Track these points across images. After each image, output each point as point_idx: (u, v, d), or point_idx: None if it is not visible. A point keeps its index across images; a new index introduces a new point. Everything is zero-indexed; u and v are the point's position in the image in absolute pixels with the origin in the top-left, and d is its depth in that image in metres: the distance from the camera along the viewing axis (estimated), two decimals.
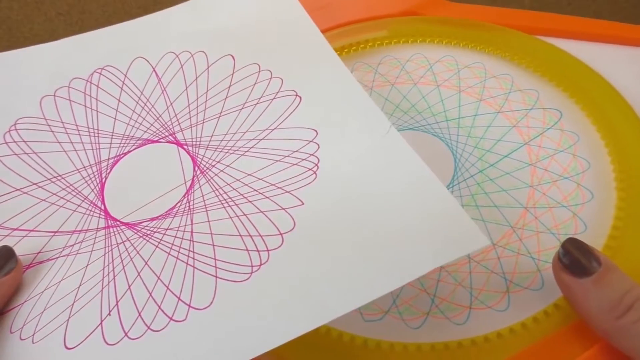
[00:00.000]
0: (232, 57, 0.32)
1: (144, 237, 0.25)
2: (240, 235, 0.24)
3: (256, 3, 0.34)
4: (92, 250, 0.25)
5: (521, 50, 0.33)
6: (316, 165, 0.25)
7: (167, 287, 0.22)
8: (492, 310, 0.23)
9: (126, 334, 0.21)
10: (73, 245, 0.26)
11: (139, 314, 0.22)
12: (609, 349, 0.21)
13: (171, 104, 0.30)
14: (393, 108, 0.32)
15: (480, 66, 0.34)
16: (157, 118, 0.30)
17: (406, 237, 0.22)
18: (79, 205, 0.27)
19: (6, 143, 0.30)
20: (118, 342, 0.21)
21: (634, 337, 0.19)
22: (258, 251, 0.23)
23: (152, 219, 0.26)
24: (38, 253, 0.26)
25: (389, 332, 0.23)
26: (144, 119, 0.30)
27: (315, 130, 0.27)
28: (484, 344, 0.22)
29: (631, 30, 0.34)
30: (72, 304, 0.23)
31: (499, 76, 0.33)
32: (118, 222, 0.26)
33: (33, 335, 0.22)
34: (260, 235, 0.23)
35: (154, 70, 0.32)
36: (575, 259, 0.21)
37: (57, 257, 0.25)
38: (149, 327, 0.21)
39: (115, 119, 0.31)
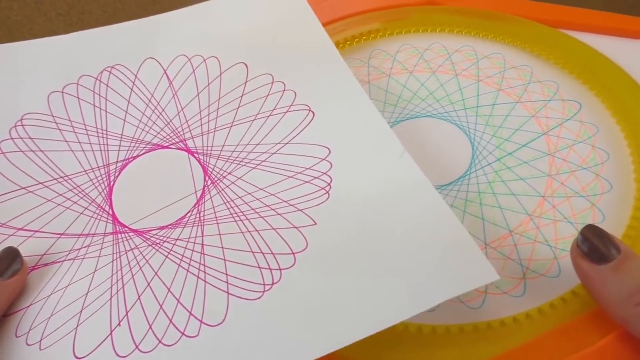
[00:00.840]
0: (245, 65, 0.31)
1: (153, 245, 0.25)
2: (252, 252, 0.23)
3: (271, 11, 0.34)
4: (99, 256, 0.25)
5: (541, 42, 0.33)
6: (329, 184, 0.25)
7: (178, 300, 0.22)
8: (508, 296, 0.23)
9: (137, 347, 0.21)
10: (80, 249, 0.25)
11: (150, 327, 0.22)
12: (627, 337, 0.20)
13: (182, 109, 0.30)
14: (411, 95, 0.32)
15: (499, 57, 0.33)
16: (168, 123, 0.30)
17: (417, 267, 0.21)
18: (86, 208, 0.27)
19: (12, 139, 0.29)
20: (129, 354, 0.21)
21: None
22: (270, 269, 0.22)
23: (161, 228, 0.25)
24: (43, 255, 0.25)
25: None
26: (154, 122, 0.30)
27: (328, 149, 0.27)
28: (500, 328, 0.22)
29: None
30: (81, 311, 0.23)
31: (519, 67, 0.33)
32: (126, 229, 0.26)
33: (40, 341, 0.22)
34: (272, 253, 0.23)
35: (165, 72, 0.32)
36: (594, 245, 0.21)
37: (63, 260, 0.25)
38: (160, 341, 0.21)
39: (124, 120, 0.30)
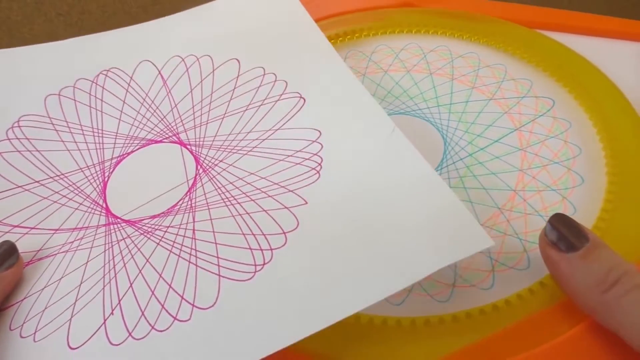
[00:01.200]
0: (238, 60, 0.32)
1: (145, 234, 0.25)
2: (243, 234, 0.23)
3: (261, 9, 0.35)
4: (91, 247, 0.25)
5: (515, 42, 0.33)
6: (319, 164, 0.25)
7: (170, 286, 0.22)
8: (476, 289, 0.23)
9: (130, 334, 0.21)
10: (73, 242, 0.25)
11: (142, 313, 0.21)
12: (595, 327, 0.20)
13: (175, 105, 0.30)
14: (385, 93, 0.32)
15: (474, 56, 0.33)
16: (162, 119, 0.30)
17: (411, 238, 0.21)
18: (80, 204, 0.27)
19: (8, 139, 0.30)
20: (122, 342, 0.21)
21: (619, 311, 0.18)
22: (261, 250, 0.22)
23: (153, 217, 0.25)
24: (38, 251, 0.25)
25: (368, 307, 0.22)
26: (148, 119, 0.30)
27: (319, 131, 0.27)
28: (466, 320, 0.21)
29: (627, 25, 0.34)
30: (74, 303, 0.23)
31: (493, 66, 0.33)
32: (119, 220, 0.26)
33: (34, 333, 0.22)
34: (263, 234, 0.23)
35: (160, 73, 0.32)
36: (562, 234, 0.20)
37: (56, 254, 0.25)
38: (153, 327, 0.21)
39: (119, 119, 0.30)
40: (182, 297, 0.21)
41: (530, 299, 0.21)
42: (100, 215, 0.26)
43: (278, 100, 0.29)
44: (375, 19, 0.37)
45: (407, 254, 0.21)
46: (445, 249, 0.21)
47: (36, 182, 0.28)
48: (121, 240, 0.25)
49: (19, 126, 0.30)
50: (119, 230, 0.25)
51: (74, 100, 0.31)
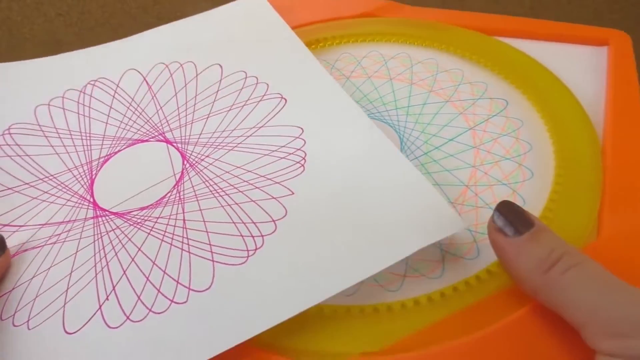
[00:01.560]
0: (220, 66, 0.33)
1: (135, 225, 0.25)
2: (234, 223, 0.24)
3: (240, 19, 0.37)
4: (80, 238, 0.25)
5: (472, 47, 0.34)
6: (303, 159, 0.27)
7: (164, 272, 0.23)
8: (426, 278, 0.23)
9: (128, 317, 0.21)
10: (60, 234, 0.26)
11: (139, 298, 0.22)
12: (539, 310, 0.20)
13: (161, 107, 0.32)
14: None
15: (433, 62, 0.34)
16: (147, 120, 0.31)
17: (390, 222, 0.23)
18: (68, 200, 0.28)
19: None
20: (121, 325, 0.21)
21: (560, 289, 0.19)
22: (252, 237, 0.23)
23: (141, 209, 0.26)
24: (24, 243, 0.26)
25: None
26: (134, 122, 0.31)
27: (301, 128, 0.28)
28: (414, 307, 0.22)
29: (577, 30, 0.35)
30: (67, 290, 0.23)
31: (450, 70, 0.34)
32: (107, 212, 0.26)
33: (28, 321, 0.22)
34: (253, 222, 0.24)
35: (145, 79, 0.33)
36: (508, 220, 0.21)
37: (43, 245, 0.25)
38: (150, 310, 0.22)
39: (106, 123, 0.31)
40: (177, 282, 0.22)
41: (477, 286, 0.22)
42: (87, 209, 0.27)
43: (260, 100, 0.30)
44: (339, 28, 0.38)
45: (388, 237, 0.22)
46: (422, 232, 0.22)
47: (26, 184, 0.29)
48: (110, 231, 0.25)
49: (10, 133, 0.31)
50: (108, 222, 0.26)
51: (63, 109, 0.32)
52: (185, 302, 0.22)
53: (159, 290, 0.22)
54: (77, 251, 0.25)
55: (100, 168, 0.29)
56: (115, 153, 0.30)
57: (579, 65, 0.33)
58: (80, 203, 0.27)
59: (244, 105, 0.30)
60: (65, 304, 0.23)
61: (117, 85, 0.33)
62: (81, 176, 0.29)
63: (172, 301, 0.22)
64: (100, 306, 0.22)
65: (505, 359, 0.20)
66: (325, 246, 0.22)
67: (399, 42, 0.36)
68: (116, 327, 0.21)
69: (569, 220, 0.24)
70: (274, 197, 0.25)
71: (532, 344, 0.20)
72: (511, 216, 0.21)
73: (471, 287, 0.22)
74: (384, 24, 0.38)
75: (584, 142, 0.27)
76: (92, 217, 0.26)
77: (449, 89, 0.32)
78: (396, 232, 0.22)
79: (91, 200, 0.27)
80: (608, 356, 0.18)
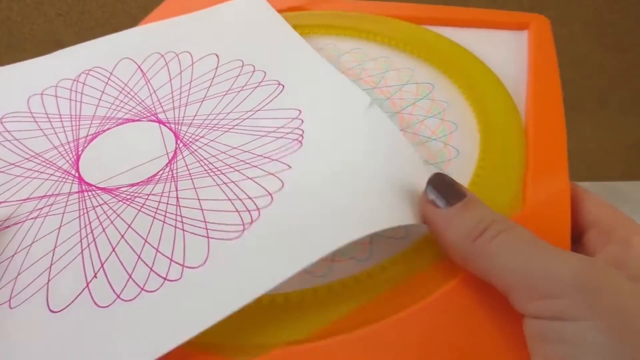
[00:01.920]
0: (217, 55, 0.33)
1: (124, 201, 0.24)
2: (229, 200, 0.23)
3: (234, 12, 0.37)
4: (64, 213, 0.24)
5: (398, 36, 0.34)
6: (301, 136, 0.26)
7: (157, 250, 0.22)
8: (354, 261, 0.22)
9: (118, 296, 0.20)
10: (42, 208, 0.24)
11: (130, 276, 0.21)
12: (469, 281, 0.20)
13: (154, 91, 0.31)
14: None
15: (360, 51, 0.34)
16: (140, 102, 0.30)
17: (384, 194, 0.22)
18: (52, 174, 0.26)
19: None
20: (111, 304, 0.20)
21: (489, 255, 0.19)
22: (248, 211, 0.23)
23: (131, 185, 0.25)
24: (5, 220, 0.24)
25: None
26: (126, 103, 0.30)
27: (299, 110, 0.28)
28: (341, 290, 0.21)
29: (499, 16, 0.36)
30: (50, 267, 0.22)
31: (378, 59, 0.34)
32: (93, 187, 0.25)
33: (9, 300, 0.21)
34: (249, 198, 0.23)
35: (139, 67, 0.33)
36: (440, 192, 0.21)
37: (24, 221, 0.24)
38: (142, 288, 0.20)
39: (97, 106, 0.30)
40: (171, 260, 0.21)
41: (404, 263, 0.21)
42: (72, 183, 0.26)
43: (257, 86, 0.30)
44: None
45: (382, 205, 0.22)
46: (411, 211, 0.22)
47: (11, 164, 0.27)
48: (97, 206, 0.24)
49: (1, 122, 0.30)
50: (94, 197, 0.25)
51: (56, 96, 0.31)
52: (179, 279, 0.20)
53: (151, 269, 0.21)
54: (60, 226, 0.24)
55: (88, 145, 0.28)
56: (104, 131, 0.29)
57: (502, 49, 0.34)
58: (64, 178, 0.26)
59: (241, 90, 0.30)
60: (48, 281, 0.21)
61: (111, 73, 0.33)
62: (67, 152, 0.28)
63: (165, 279, 0.21)
64: (87, 284, 0.21)
65: (437, 333, 0.19)
66: (322, 212, 0.22)
67: (327, 34, 0.36)
68: (106, 306, 0.20)
69: (495, 194, 0.24)
70: (270, 173, 0.24)
71: (463, 315, 0.20)
72: (443, 188, 0.21)
73: (398, 264, 0.21)
74: (311, 17, 0.38)
75: (507, 120, 0.28)
76: (77, 192, 0.25)
77: (376, 76, 0.32)
78: (389, 202, 0.22)
79: (76, 175, 0.26)
80: (535, 319, 0.18)
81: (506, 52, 0.33)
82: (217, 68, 0.32)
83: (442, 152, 0.27)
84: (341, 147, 0.25)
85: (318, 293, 0.21)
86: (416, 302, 0.20)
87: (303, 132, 0.26)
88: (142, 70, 0.32)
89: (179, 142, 0.27)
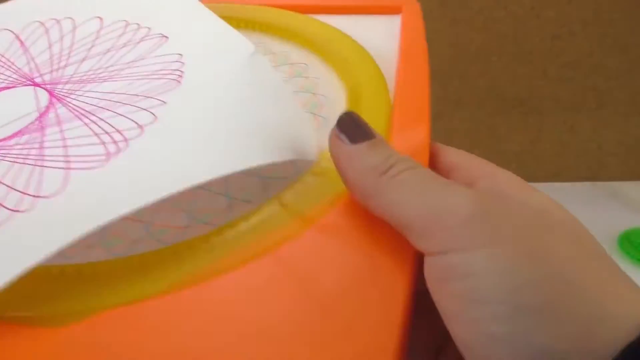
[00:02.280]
0: (100, 18, 0.32)
1: None
2: (96, 134, 0.23)
3: None
4: None
5: (273, 23, 0.34)
6: (180, 76, 0.26)
7: (10, 187, 0.21)
8: (214, 227, 0.21)
9: None
10: None
11: None
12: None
13: (32, 58, 0.29)
14: None
15: None
16: (16, 71, 0.29)
17: (261, 130, 0.23)
18: None
19: None
20: None
21: (391, 191, 0.18)
22: (115, 142, 0.22)
23: None
24: None
25: None
26: (1, 74, 0.29)
27: (180, 54, 0.27)
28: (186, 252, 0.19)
29: (376, 1, 0.37)
30: None
31: (256, 44, 0.33)
32: None
33: None
34: (117, 130, 0.23)
35: (18, 37, 0.31)
36: (349, 129, 0.21)
37: None
38: None
39: None
40: (22, 193, 0.20)
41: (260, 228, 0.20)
42: None
43: (140, 41, 0.29)
44: None
45: (261, 141, 0.22)
46: (285, 148, 0.22)
47: None
48: None
49: None
50: None
51: None
52: (29, 209, 0.20)
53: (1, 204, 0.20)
54: None
55: None
56: None
57: (377, 32, 0.34)
58: None
59: (123, 47, 0.29)
60: None
61: None
62: None
63: (14, 210, 0.20)
64: None
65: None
66: (194, 147, 0.21)
67: None
68: None
69: None
70: (143, 109, 0.24)
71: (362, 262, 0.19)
72: (352, 126, 0.21)
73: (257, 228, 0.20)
74: None
75: (376, 90, 0.28)
76: None
77: None
78: (270, 139, 0.22)
79: None
80: (436, 255, 0.17)
81: (381, 34, 0.34)
82: (99, 30, 0.31)
83: (313, 122, 0.26)
84: (222, 88, 0.25)
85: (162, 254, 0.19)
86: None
87: (183, 72, 0.26)
88: (20, 39, 0.31)
89: (52, 98, 0.26)
